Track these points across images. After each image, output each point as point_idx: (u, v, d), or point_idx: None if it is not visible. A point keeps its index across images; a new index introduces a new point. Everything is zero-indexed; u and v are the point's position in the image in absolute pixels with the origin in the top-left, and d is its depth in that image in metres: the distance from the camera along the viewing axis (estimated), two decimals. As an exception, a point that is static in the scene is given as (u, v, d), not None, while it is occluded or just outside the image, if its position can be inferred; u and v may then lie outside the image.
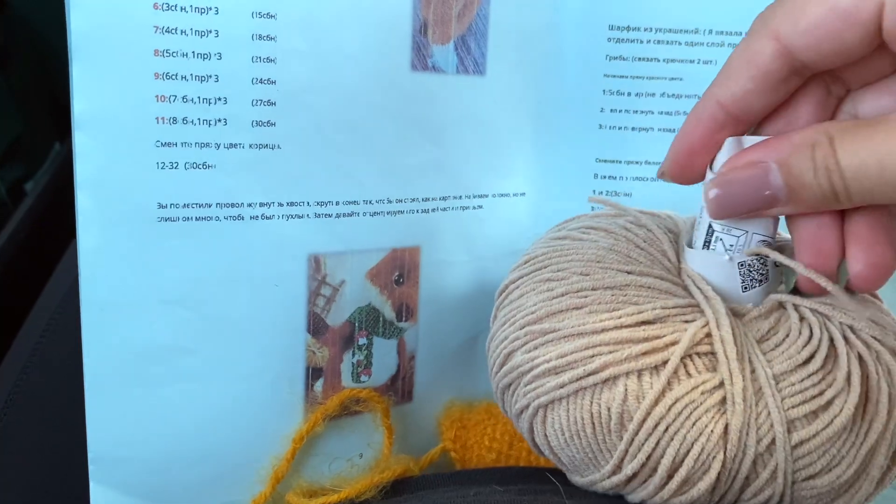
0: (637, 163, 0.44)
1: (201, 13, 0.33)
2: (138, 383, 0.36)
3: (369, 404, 0.41)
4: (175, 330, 0.36)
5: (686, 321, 0.30)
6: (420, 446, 0.43)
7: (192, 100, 0.34)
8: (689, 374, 0.29)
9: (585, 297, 0.31)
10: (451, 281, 0.43)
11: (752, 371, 0.28)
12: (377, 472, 0.38)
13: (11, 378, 0.45)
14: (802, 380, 0.28)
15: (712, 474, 0.28)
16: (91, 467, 0.36)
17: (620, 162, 0.44)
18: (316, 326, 0.39)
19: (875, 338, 0.30)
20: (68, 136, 0.78)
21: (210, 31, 0.34)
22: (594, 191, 0.44)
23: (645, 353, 0.29)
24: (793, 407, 0.28)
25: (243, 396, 0.38)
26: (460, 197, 0.42)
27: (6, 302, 0.57)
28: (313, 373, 0.40)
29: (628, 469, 0.29)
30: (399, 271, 0.41)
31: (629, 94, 0.43)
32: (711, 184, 0.28)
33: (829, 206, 0.26)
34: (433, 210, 0.41)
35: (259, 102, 0.35)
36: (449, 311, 0.43)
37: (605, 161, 0.44)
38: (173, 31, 0.33)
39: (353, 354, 0.41)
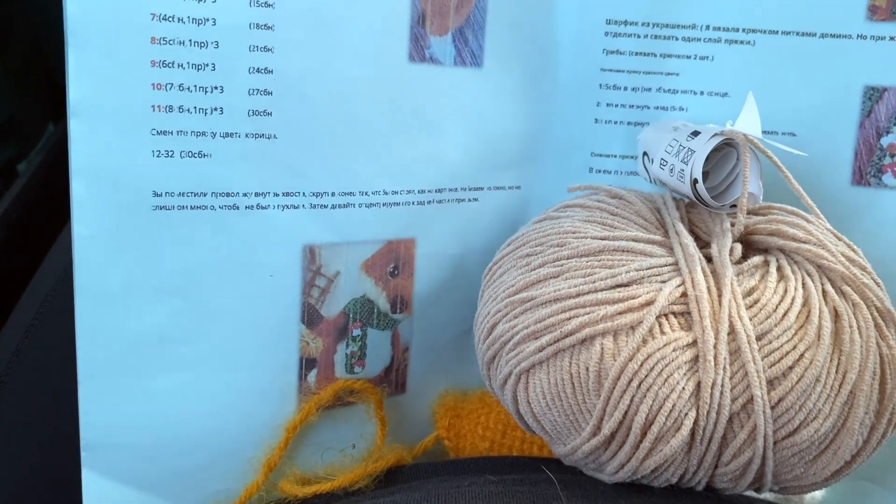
0: (632, 157, 0.44)
1: (199, 1, 0.33)
2: (131, 372, 0.36)
3: (363, 395, 0.41)
4: (169, 319, 0.36)
5: (662, 281, 0.31)
6: (414, 437, 0.43)
7: (189, 88, 0.34)
8: (663, 332, 0.29)
9: (561, 265, 0.32)
10: (445, 273, 0.43)
11: (731, 331, 0.29)
12: (370, 461, 0.38)
13: (3, 362, 0.45)
14: (779, 336, 0.29)
15: (684, 432, 0.28)
16: (83, 454, 0.36)
17: (616, 156, 0.44)
18: (310, 317, 0.39)
19: (856, 290, 0.30)
20: (62, 117, 0.77)
21: (207, 20, 0.34)
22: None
23: (620, 314, 0.30)
24: (771, 366, 0.28)
25: (237, 386, 0.38)
26: (456, 189, 0.42)
27: (-2, 284, 0.57)
28: (307, 363, 0.40)
29: (606, 429, 0.29)
30: (394, 263, 0.41)
31: (625, 88, 0.43)
32: None
33: None
34: (429, 202, 0.41)
35: (256, 92, 0.35)
36: (443, 304, 0.43)
37: (601, 155, 0.44)
38: (170, 19, 0.33)
39: (347, 345, 0.41)
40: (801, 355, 0.29)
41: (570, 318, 0.30)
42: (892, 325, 0.31)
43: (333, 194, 0.38)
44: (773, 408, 0.28)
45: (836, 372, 0.29)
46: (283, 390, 0.39)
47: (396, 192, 0.40)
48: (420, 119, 0.40)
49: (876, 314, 0.31)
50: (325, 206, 0.38)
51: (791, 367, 0.29)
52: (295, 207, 0.37)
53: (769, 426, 0.28)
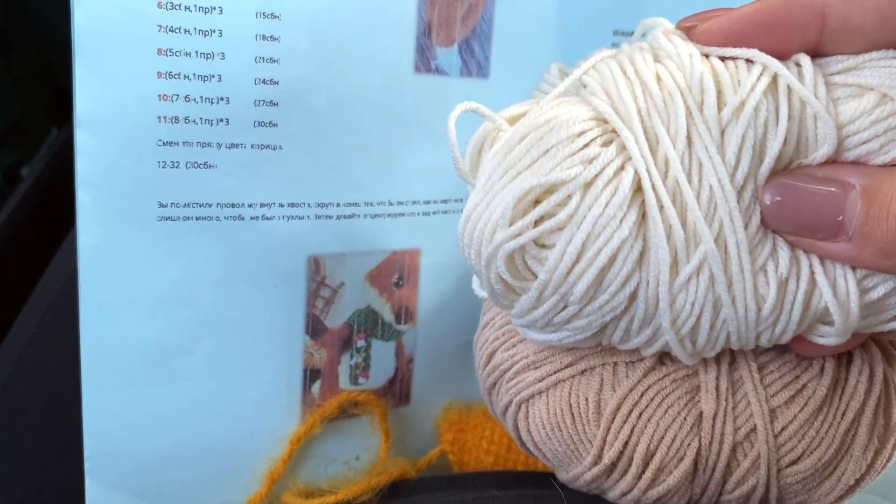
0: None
1: (205, 13, 0.33)
2: (136, 382, 0.36)
3: (367, 407, 0.41)
4: (173, 329, 0.36)
5: None
6: (418, 449, 0.43)
7: (195, 99, 0.34)
8: (663, 364, 0.29)
9: None
10: (450, 284, 0.43)
11: (733, 361, 0.29)
12: (374, 474, 0.38)
13: (6, 370, 0.45)
14: (780, 367, 0.29)
15: (687, 462, 0.28)
16: (87, 464, 0.36)
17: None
18: (314, 328, 0.39)
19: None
20: (66, 122, 0.77)
21: (214, 31, 0.33)
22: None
23: (634, 350, 0.29)
24: (773, 395, 0.28)
25: (240, 397, 0.38)
26: (461, 200, 0.41)
27: (1, 290, 0.57)
28: (311, 374, 0.40)
29: (607, 458, 0.29)
30: (399, 274, 0.41)
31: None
32: (769, 185, 0.23)
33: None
34: (434, 213, 0.41)
35: (261, 103, 0.35)
36: (448, 315, 0.43)
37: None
38: (177, 31, 0.33)
39: (352, 356, 0.41)
40: (804, 386, 0.28)
41: (569, 349, 0.30)
42: None
43: (338, 205, 0.38)
44: (775, 437, 0.28)
45: (840, 401, 0.29)
46: (286, 402, 0.39)
47: (401, 203, 0.40)
48: (425, 130, 0.39)
49: (885, 342, 0.31)
50: (330, 217, 0.38)
51: (793, 397, 0.28)
52: (300, 218, 0.37)
53: (773, 455, 0.28)
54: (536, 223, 0.24)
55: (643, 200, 0.23)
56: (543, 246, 0.24)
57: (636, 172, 0.23)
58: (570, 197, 0.23)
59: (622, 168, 0.23)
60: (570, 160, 0.23)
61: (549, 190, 0.23)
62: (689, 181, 0.23)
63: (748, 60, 0.23)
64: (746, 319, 0.24)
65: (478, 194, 0.25)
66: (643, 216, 0.23)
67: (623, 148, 0.23)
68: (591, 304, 0.24)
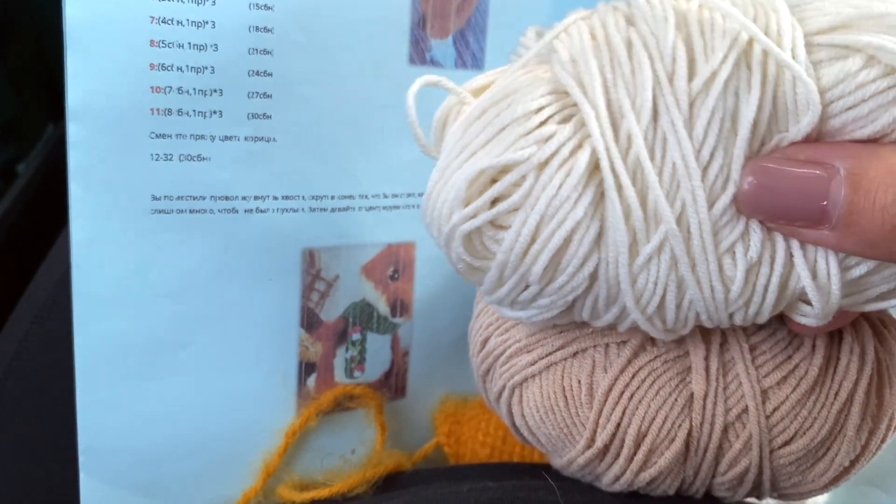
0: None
1: (198, 3, 0.33)
2: (129, 376, 0.36)
3: (363, 400, 0.41)
4: (167, 323, 0.36)
5: None
6: (413, 442, 0.43)
7: (188, 91, 0.34)
8: (654, 345, 0.29)
9: None
10: (445, 277, 0.42)
11: (724, 342, 0.29)
12: (369, 467, 0.38)
13: (1, 366, 0.45)
14: (772, 347, 0.29)
15: (678, 443, 0.28)
16: (81, 458, 0.36)
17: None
18: (309, 321, 0.39)
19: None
20: (62, 118, 0.77)
21: (207, 23, 0.33)
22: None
23: (612, 327, 0.29)
24: (765, 376, 0.28)
25: (235, 391, 0.38)
26: (456, 192, 0.41)
27: (-3, 286, 0.57)
28: (306, 368, 0.40)
29: (600, 441, 0.29)
30: (394, 267, 0.41)
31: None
32: (748, 169, 0.22)
33: (891, 255, 0.21)
34: (429, 205, 0.41)
35: (255, 95, 0.35)
36: (443, 307, 0.43)
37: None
38: (169, 22, 0.33)
39: (347, 350, 0.41)
40: (796, 366, 0.28)
41: (560, 332, 0.30)
42: (890, 328, 0.31)
43: (333, 197, 0.38)
44: (767, 417, 0.28)
45: (832, 381, 0.28)
46: (282, 395, 0.39)
47: (396, 196, 0.40)
48: (420, 122, 0.39)
49: (877, 321, 0.31)
50: (325, 210, 0.38)
51: (785, 377, 0.28)
52: (294, 211, 0.37)
53: (765, 436, 0.28)
54: (493, 203, 0.23)
55: (601, 180, 0.22)
56: (500, 227, 0.24)
57: (594, 151, 0.22)
58: (524, 178, 0.23)
59: (579, 146, 0.22)
60: (524, 139, 0.22)
61: (504, 170, 0.23)
62: (652, 158, 0.22)
63: (725, 17, 0.22)
64: (714, 300, 0.24)
65: (437, 172, 0.25)
66: (602, 195, 0.23)
67: (583, 124, 0.22)
68: (552, 284, 0.24)
